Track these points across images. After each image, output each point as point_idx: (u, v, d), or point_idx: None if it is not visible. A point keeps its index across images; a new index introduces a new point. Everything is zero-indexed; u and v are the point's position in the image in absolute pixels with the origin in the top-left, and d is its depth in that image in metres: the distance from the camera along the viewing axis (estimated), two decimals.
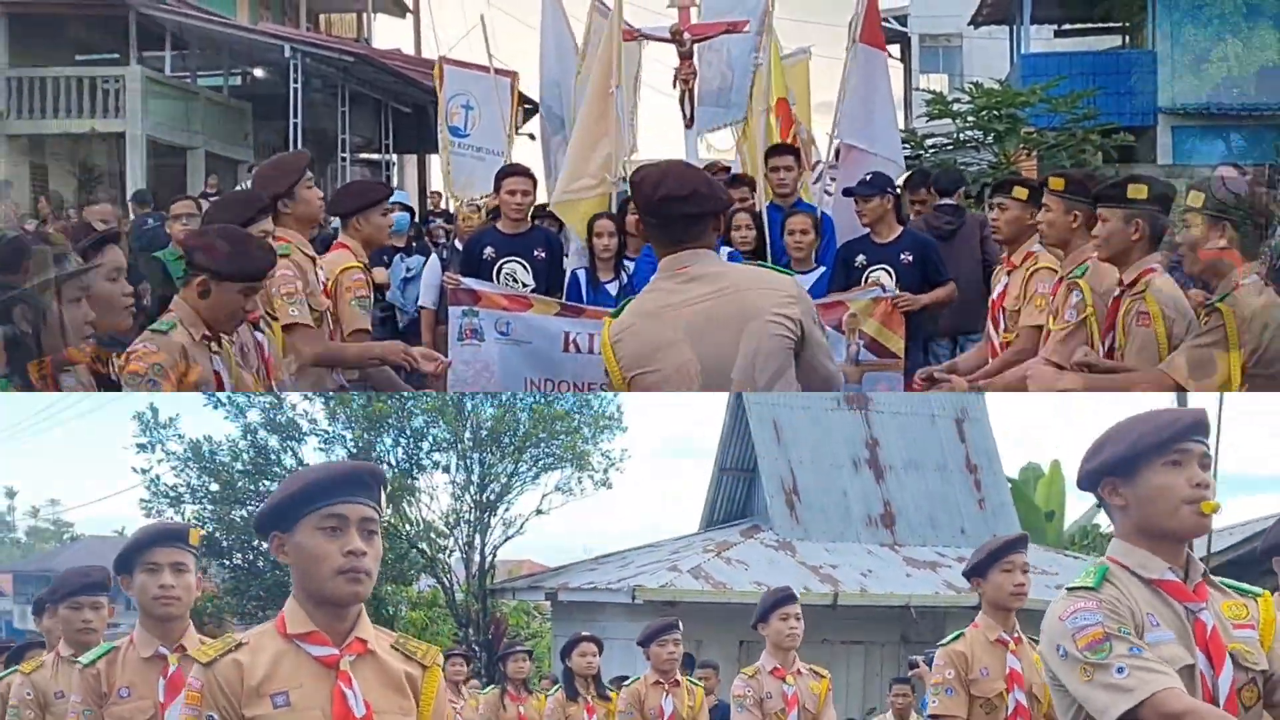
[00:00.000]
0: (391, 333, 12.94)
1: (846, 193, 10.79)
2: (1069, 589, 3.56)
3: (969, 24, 36.29)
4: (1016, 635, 6.05)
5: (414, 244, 14.42)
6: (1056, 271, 8.10)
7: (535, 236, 11.13)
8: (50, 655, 6.34)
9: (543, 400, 18.18)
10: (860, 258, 10.56)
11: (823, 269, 10.66)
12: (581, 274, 11.06)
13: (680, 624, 8.29)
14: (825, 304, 9.75)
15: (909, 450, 15.86)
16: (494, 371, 10.49)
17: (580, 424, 18.73)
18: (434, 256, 13.13)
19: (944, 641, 6.18)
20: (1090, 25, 35.80)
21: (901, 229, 10.71)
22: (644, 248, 11.17)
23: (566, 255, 11.71)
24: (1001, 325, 8.62)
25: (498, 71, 15.06)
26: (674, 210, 5.14)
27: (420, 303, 12.48)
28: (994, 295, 8.82)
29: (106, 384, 5.49)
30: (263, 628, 3.53)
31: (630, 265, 10.93)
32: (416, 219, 15.84)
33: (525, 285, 10.83)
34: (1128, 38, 35.24)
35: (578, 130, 11.99)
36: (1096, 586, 3.54)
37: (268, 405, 18.76)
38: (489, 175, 13.86)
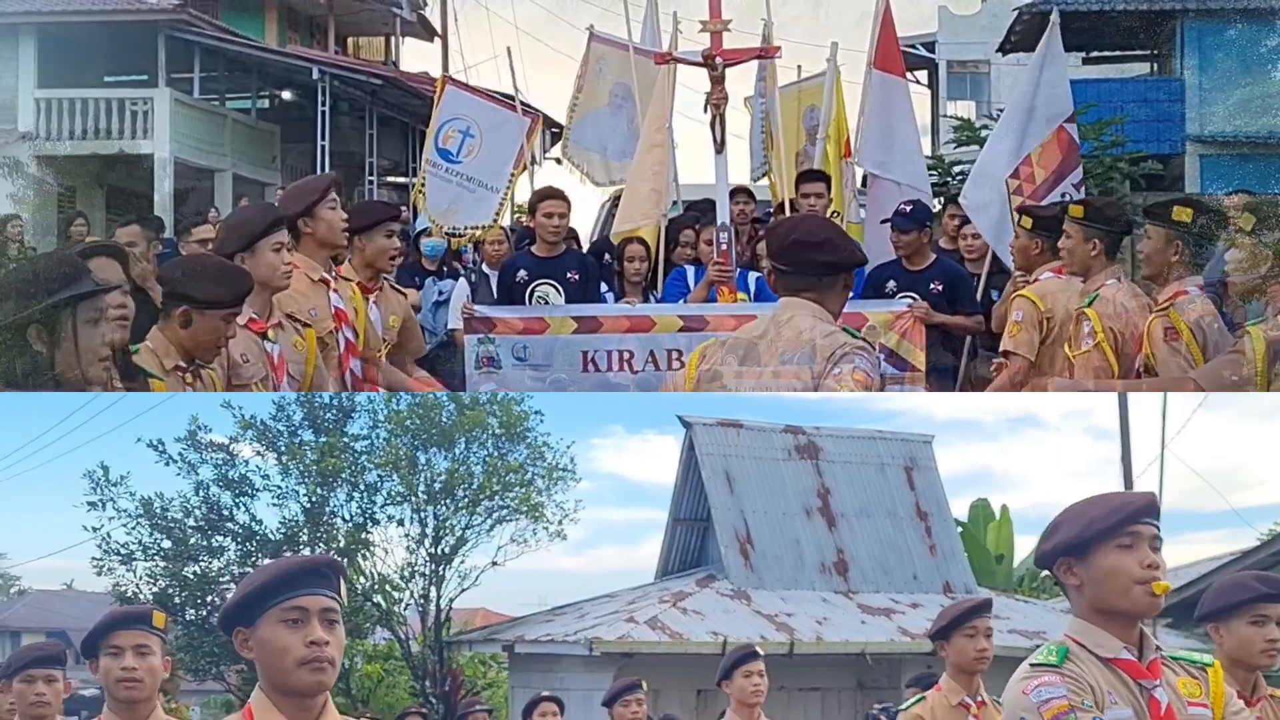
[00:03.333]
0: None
1: (885, 222, 10.75)
2: (1031, 664, 3.65)
3: (997, 51, 36.26)
4: (980, 699, 6.02)
5: (445, 268, 14.39)
6: (1030, 299, 8.06)
7: (568, 259, 11.15)
8: None
9: (496, 453, 18.28)
10: (891, 283, 10.55)
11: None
12: (609, 297, 11.09)
13: (644, 684, 8.30)
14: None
15: (860, 499, 16.03)
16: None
17: (534, 476, 18.69)
18: (462, 280, 13.16)
19: (906, 705, 6.18)
20: (1118, 53, 35.78)
21: (934, 257, 10.68)
22: (673, 271, 11.18)
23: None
24: None
25: (525, 110, 14.73)
26: (803, 256, 5.25)
27: (450, 326, 12.50)
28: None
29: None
30: (231, 718, 3.56)
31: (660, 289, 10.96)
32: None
33: None
34: (1156, 65, 35.21)
35: (634, 165, 12.12)
36: (1059, 663, 3.63)
37: (220, 461, 18.81)
38: (477, 208, 13.81)
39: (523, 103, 14.64)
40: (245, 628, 3.48)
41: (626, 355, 10.14)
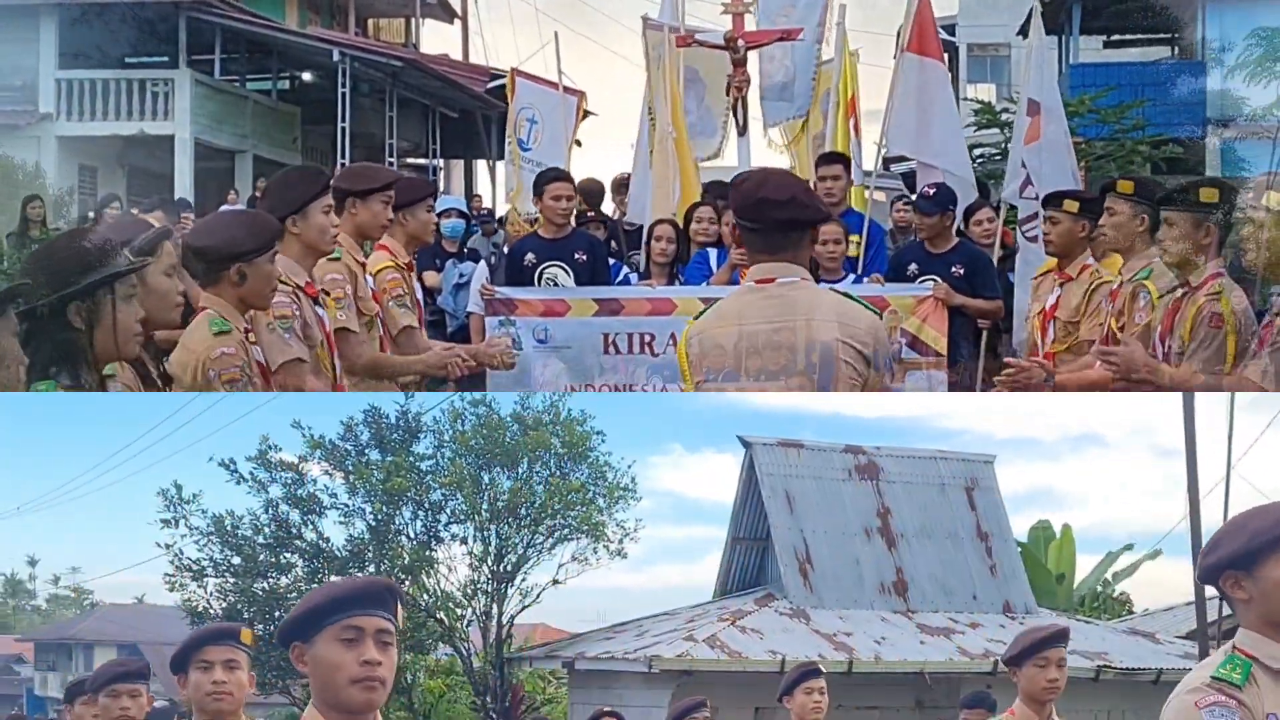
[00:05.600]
0: (440, 337, 12.97)
1: (907, 205, 10.78)
2: (1213, 676, 3.48)
3: (1017, 34, 36.14)
4: None
5: (466, 249, 14.46)
6: (1111, 284, 8.13)
7: (577, 240, 11.16)
8: None
9: (558, 473, 18.42)
10: (912, 266, 10.56)
11: (850, 277, 10.63)
12: (633, 278, 11.10)
13: (708, 702, 8.29)
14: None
15: (920, 519, 15.97)
16: (533, 380, 10.55)
17: (595, 495, 18.84)
18: (482, 263, 13.18)
19: None
20: (1139, 36, 35.67)
21: (957, 240, 10.69)
22: (695, 254, 11.19)
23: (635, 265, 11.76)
24: (1050, 335, 8.63)
25: (566, 90, 15.15)
26: (772, 215, 5.10)
27: (469, 308, 12.52)
28: (1045, 305, 8.85)
29: (150, 384, 5.52)
30: None
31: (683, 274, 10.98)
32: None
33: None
34: (1177, 49, 35.11)
35: (655, 169, 12.21)
36: (1242, 684, 3.46)
37: (290, 480, 19.08)
38: None
39: (565, 87, 15.01)
40: (302, 643, 3.52)
41: (647, 338, 10.18)
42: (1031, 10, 12.73)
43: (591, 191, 16.43)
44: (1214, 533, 3.65)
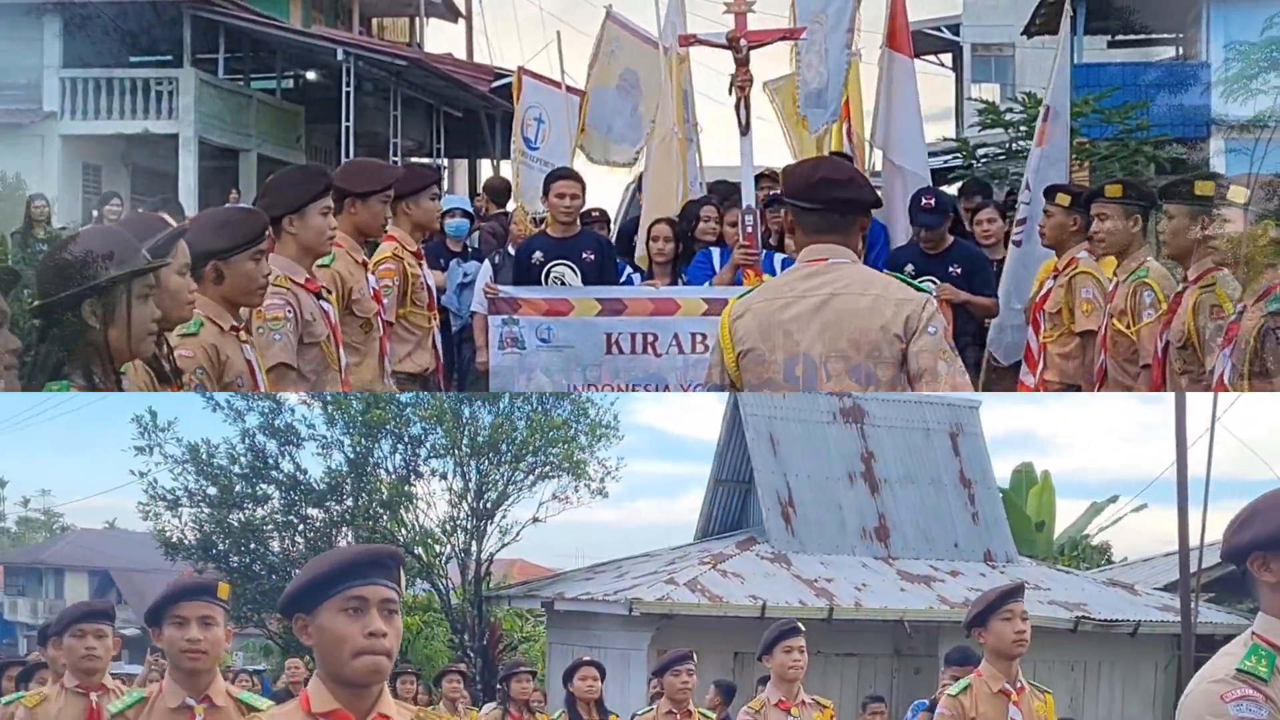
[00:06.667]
0: (444, 336, 12.96)
1: (913, 222, 10.81)
2: (1237, 669, 3.33)
3: (1021, 34, 36.12)
4: (1019, 685, 6.03)
5: (470, 249, 14.48)
6: (1094, 275, 8.25)
7: (584, 239, 11.18)
8: (55, 687, 6.37)
9: (540, 409, 18.30)
10: (910, 267, 10.57)
11: None
12: (636, 278, 11.10)
13: (695, 655, 8.30)
14: None
15: (904, 464, 15.86)
16: (535, 380, 10.56)
17: (577, 432, 18.72)
18: (486, 263, 13.18)
19: (951, 691, 6.18)
20: (1144, 37, 35.65)
21: (953, 239, 10.72)
22: (698, 254, 11.18)
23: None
24: (1042, 328, 8.75)
25: (569, 89, 15.29)
26: (829, 194, 5.14)
27: (472, 308, 12.52)
28: (1035, 298, 9.00)
29: (164, 379, 5.54)
30: (288, 706, 3.59)
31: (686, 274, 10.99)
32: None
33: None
34: (1181, 49, 35.10)
35: (650, 174, 12.21)
36: (1268, 678, 3.31)
37: (266, 410, 18.84)
38: None
39: (568, 86, 15.20)
40: (305, 614, 3.48)
41: (650, 338, 10.18)
42: (1049, 12, 12.73)
43: (497, 190, 16.55)
44: (1245, 508, 3.47)
